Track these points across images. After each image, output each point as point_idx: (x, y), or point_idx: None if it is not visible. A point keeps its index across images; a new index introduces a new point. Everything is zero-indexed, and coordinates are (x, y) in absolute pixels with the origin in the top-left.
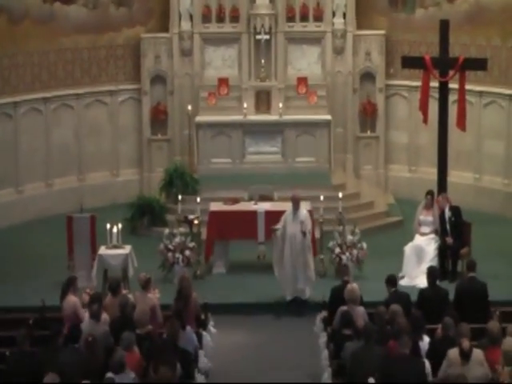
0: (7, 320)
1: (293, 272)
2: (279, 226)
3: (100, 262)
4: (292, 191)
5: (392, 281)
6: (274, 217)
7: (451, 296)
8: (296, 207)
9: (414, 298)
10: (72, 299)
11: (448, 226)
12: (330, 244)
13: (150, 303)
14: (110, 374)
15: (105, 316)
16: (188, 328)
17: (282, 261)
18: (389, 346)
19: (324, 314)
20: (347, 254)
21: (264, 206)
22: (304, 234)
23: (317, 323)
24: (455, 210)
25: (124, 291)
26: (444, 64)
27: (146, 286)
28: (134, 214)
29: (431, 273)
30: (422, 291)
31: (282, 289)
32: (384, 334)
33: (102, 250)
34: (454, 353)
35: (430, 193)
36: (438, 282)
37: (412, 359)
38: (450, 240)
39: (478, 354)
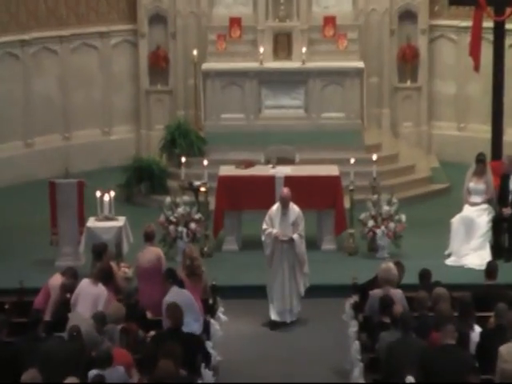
0: None
1: (281, 287)
2: (264, 226)
3: (89, 236)
4: (315, 153)
5: (425, 276)
6: (295, 183)
7: None
8: (285, 205)
9: (461, 280)
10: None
11: (511, 196)
12: (362, 216)
13: (157, 254)
14: (95, 371)
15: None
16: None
17: (269, 275)
18: (431, 337)
19: (354, 298)
20: (382, 227)
21: (283, 171)
22: (292, 239)
23: (346, 310)
24: None
25: (120, 269)
26: (500, 0)
27: (151, 237)
28: (130, 180)
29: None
30: (475, 290)
31: (269, 307)
32: (425, 324)
33: (91, 223)
34: (506, 349)
35: (481, 156)
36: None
37: (457, 350)
38: (508, 211)
39: None
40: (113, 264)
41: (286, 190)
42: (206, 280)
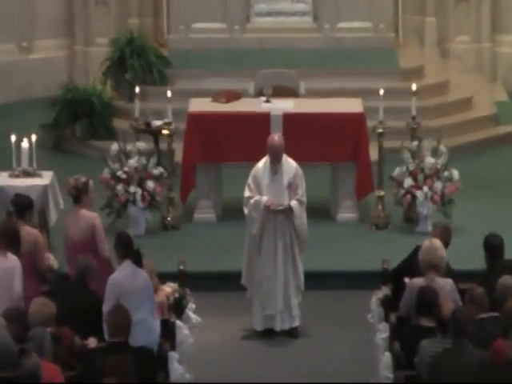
0: None
1: (273, 279)
2: (247, 193)
3: (0, 198)
4: (327, 80)
5: (494, 247)
6: (298, 124)
7: None
8: (276, 160)
9: None
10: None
11: None
12: (396, 171)
13: (89, 222)
14: None
15: None
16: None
17: (255, 260)
18: (495, 347)
19: (384, 291)
20: (425, 188)
21: (282, 106)
22: (289, 209)
23: (372, 308)
24: None
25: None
26: None
27: (79, 195)
28: (59, 118)
29: None
30: None
31: (253, 311)
32: (486, 328)
33: (3, 180)
34: None
35: None
36: None
37: None
38: None
39: None
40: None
41: (276, 138)
42: (162, 296)
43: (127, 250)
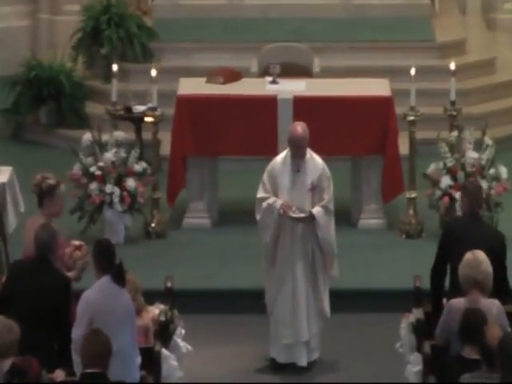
0: None
1: (291, 303)
2: (261, 194)
3: None
4: (347, 57)
5: None
6: (310, 110)
7: None
8: (298, 155)
9: None
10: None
11: None
12: (431, 168)
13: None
14: None
15: None
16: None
17: (271, 277)
18: None
19: (417, 314)
20: None
21: (291, 88)
22: (312, 217)
23: (402, 335)
24: None
25: None
26: None
27: (41, 197)
28: (20, 101)
29: None
30: None
31: (272, 337)
32: None
33: None
34: None
35: None
36: None
37: None
38: None
39: None
40: None
41: (299, 128)
42: (147, 320)
43: (107, 263)
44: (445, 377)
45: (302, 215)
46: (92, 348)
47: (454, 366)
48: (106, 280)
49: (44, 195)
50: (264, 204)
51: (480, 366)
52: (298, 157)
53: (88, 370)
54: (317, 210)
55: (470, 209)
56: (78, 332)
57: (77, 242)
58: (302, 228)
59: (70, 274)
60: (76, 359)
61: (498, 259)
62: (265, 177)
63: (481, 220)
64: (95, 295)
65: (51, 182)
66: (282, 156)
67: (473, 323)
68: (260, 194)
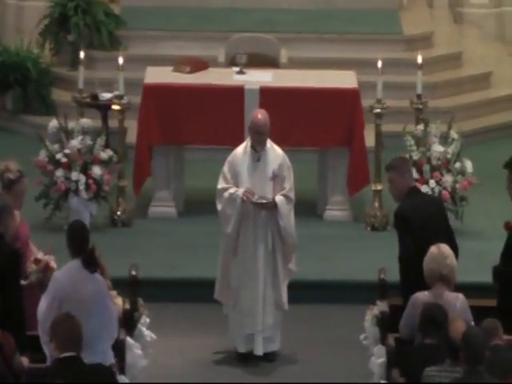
0: None
1: (252, 292)
2: (222, 185)
3: None
4: (315, 48)
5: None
6: (277, 101)
7: None
8: (259, 143)
9: None
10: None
11: None
12: None
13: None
14: None
15: None
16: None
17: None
18: None
19: (381, 307)
20: (432, 182)
21: (258, 78)
22: (273, 204)
23: (366, 327)
24: None
25: None
26: None
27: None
28: None
29: None
30: None
31: (230, 328)
32: (501, 358)
33: None
34: None
35: None
36: None
37: None
38: None
39: None
40: None
41: (260, 115)
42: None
43: (77, 246)
44: (408, 368)
45: (265, 201)
46: (68, 330)
47: (418, 354)
48: (76, 264)
49: (3, 187)
50: (226, 194)
51: (443, 352)
52: (258, 145)
53: (65, 354)
54: (279, 199)
55: (409, 183)
56: (44, 304)
57: (40, 255)
58: (264, 215)
59: (23, 282)
60: (44, 338)
61: (445, 220)
62: (225, 167)
63: (421, 191)
64: (64, 276)
65: (11, 176)
66: (243, 146)
67: (433, 317)
68: (221, 185)
